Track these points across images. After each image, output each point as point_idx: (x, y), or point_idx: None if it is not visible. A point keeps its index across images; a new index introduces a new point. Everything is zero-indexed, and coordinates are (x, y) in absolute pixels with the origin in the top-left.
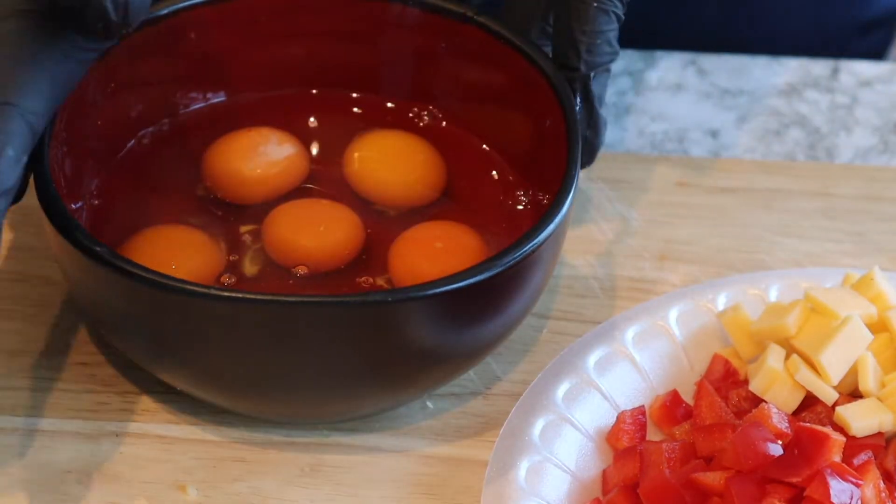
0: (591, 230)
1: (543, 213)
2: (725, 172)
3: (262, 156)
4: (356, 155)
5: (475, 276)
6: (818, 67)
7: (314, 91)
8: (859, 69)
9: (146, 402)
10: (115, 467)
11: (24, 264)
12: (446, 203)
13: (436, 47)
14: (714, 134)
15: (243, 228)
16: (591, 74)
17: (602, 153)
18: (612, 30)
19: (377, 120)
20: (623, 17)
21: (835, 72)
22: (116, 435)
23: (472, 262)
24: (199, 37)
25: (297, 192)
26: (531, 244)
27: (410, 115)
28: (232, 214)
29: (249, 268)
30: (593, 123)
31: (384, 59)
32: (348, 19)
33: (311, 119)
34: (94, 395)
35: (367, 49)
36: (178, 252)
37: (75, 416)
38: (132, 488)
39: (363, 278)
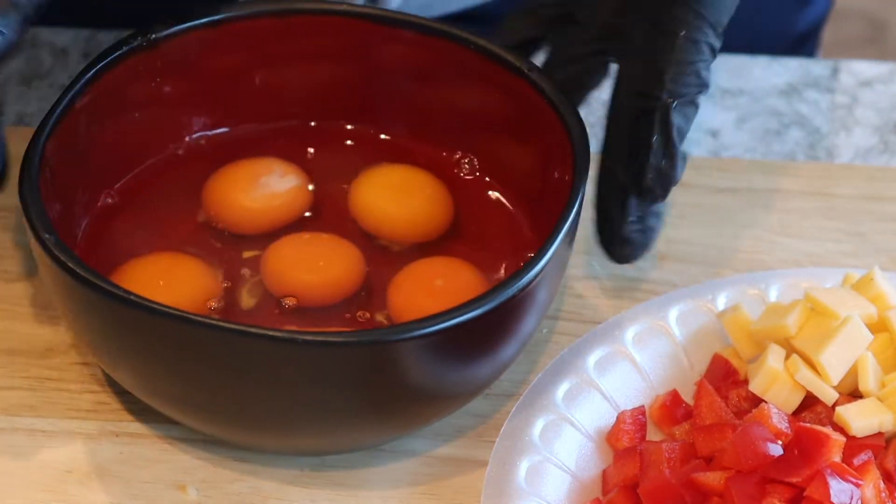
0: (591, 230)
1: (537, 251)
2: (725, 172)
3: (264, 187)
4: (361, 189)
5: (461, 315)
6: (818, 67)
7: (342, 123)
8: (859, 69)
9: (147, 402)
10: (115, 467)
11: (24, 264)
12: (451, 239)
13: (476, 91)
14: (714, 134)
15: (245, 256)
16: (673, 103)
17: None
18: (701, 60)
19: (388, 154)
20: (716, 46)
21: (835, 72)
22: (116, 435)
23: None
24: (217, 60)
25: (300, 223)
26: (524, 280)
27: (435, 155)
28: (232, 245)
29: (246, 300)
30: (669, 154)
31: (419, 97)
32: (396, 56)
33: (325, 150)
34: (94, 395)
35: (403, 85)
36: (170, 280)
37: (75, 416)
38: (132, 488)
39: (360, 313)
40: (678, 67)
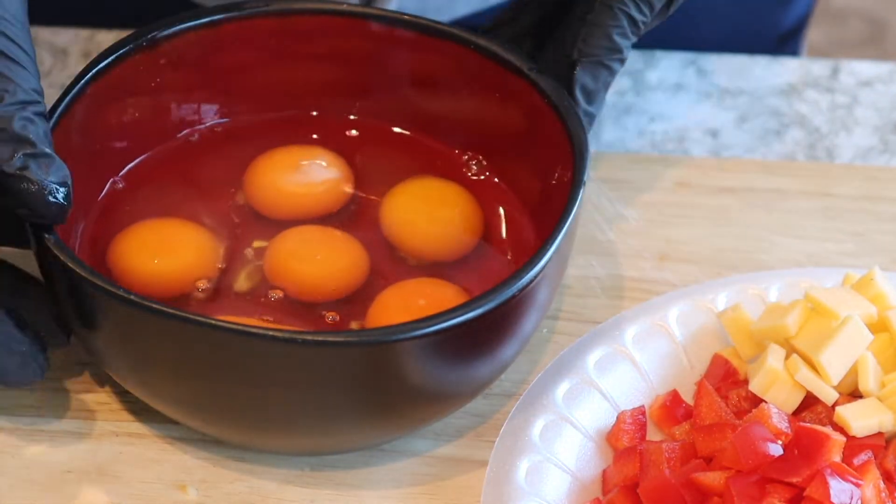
0: (591, 230)
1: (537, 251)
2: (725, 172)
3: (304, 173)
4: (396, 202)
5: (462, 315)
6: (818, 67)
7: (347, 116)
8: (859, 69)
9: (146, 402)
10: (115, 467)
11: (24, 264)
12: (466, 263)
13: (476, 91)
14: (714, 134)
15: (255, 244)
16: (578, 62)
17: (602, 153)
18: (614, 25)
19: (424, 163)
20: (638, 18)
21: (835, 72)
22: (116, 435)
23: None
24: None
25: (330, 218)
26: (524, 280)
27: (460, 163)
28: (251, 226)
29: (242, 282)
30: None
31: (434, 101)
32: (416, 60)
33: (361, 151)
34: (94, 395)
35: (420, 89)
36: (169, 248)
37: (75, 416)
38: (132, 488)
39: (330, 314)
40: (588, 29)
